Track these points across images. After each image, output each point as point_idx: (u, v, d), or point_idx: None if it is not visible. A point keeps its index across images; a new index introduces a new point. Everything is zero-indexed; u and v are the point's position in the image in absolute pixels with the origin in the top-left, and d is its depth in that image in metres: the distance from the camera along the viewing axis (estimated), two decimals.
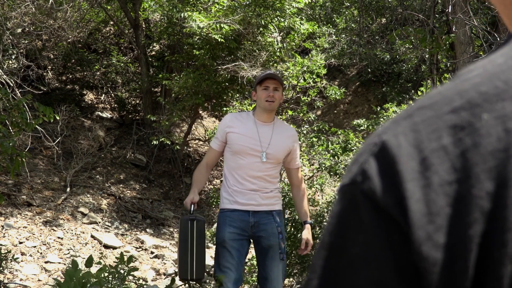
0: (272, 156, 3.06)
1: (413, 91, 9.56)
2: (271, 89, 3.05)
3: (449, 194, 0.39)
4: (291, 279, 5.29)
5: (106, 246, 6.27)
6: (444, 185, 0.39)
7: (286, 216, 4.85)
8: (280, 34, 7.85)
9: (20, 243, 5.83)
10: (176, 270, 4.45)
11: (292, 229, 4.93)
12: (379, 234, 0.41)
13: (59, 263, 5.64)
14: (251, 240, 3.14)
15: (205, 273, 2.91)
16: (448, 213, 0.38)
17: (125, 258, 3.94)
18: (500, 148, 0.38)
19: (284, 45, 7.74)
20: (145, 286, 4.15)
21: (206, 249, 3.03)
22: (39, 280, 5.22)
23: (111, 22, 10.21)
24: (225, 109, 7.55)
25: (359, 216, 0.42)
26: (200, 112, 9.21)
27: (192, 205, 3.00)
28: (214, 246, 3.19)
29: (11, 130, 4.20)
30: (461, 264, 0.38)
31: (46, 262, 5.59)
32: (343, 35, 11.34)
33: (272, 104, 3.07)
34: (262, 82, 3.07)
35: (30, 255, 5.64)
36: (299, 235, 4.88)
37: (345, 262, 0.42)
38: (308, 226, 3.16)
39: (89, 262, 3.49)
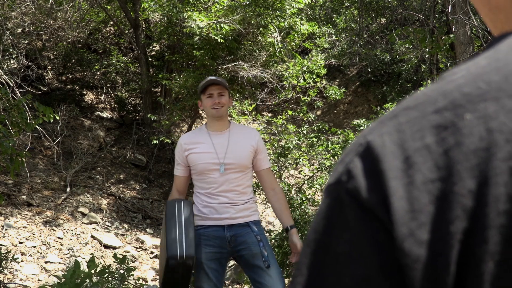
0: (233, 166, 2.87)
1: (413, 91, 9.56)
2: (216, 96, 2.89)
3: (431, 191, 0.39)
4: (291, 279, 5.29)
5: (106, 246, 6.27)
6: (427, 183, 0.40)
7: None
8: (280, 34, 7.85)
9: (20, 243, 5.84)
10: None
11: None
12: (364, 232, 0.41)
13: (59, 263, 5.64)
14: (231, 256, 2.95)
15: (194, 253, 2.65)
16: (431, 210, 0.39)
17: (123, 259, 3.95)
18: (482, 147, 0.39)
19: (284, 45, 7.74)
20: (145, 286, 4.15)
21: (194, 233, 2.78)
22: (39, 280, 5.23)
23: (111, 22, 10.22)
24: None
25: (344, 214, 0.42)
26: (200, 112, 9.21)
27: None
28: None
29: (11, 130, 4.21)
30: (443, 260, 0.39)
31: (46, 262, 5.59)
32: (343, 35, 11.34)
33: (219, 110, 2.89)
34: (205, 90, 2.91)
35: (30, 255, 5.65)
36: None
37: (330, 259, 0.43)
38: (295, 231, 2.87)
39: (91, 262, 3.51)
